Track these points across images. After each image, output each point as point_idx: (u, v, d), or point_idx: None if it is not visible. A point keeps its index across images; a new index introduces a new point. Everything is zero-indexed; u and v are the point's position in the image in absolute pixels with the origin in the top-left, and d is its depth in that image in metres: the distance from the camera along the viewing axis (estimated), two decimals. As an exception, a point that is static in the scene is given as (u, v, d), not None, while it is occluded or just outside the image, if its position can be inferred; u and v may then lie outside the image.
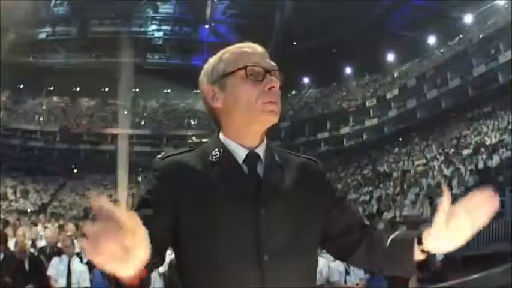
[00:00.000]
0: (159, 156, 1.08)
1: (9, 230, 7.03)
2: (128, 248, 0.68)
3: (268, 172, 1.04)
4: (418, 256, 1.02)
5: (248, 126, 1.05)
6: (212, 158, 1.04)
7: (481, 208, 0.98)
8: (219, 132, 1.10)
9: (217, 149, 1.06)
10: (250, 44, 1.11)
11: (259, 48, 1.10)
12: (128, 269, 0.71)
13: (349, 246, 1.12)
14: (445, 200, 0.94)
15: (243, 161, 1.05)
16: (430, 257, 1.03)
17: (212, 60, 1.12)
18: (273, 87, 1.03)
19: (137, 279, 0.77)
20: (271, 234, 0.98)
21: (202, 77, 1.12)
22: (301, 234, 1.02)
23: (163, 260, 0.99)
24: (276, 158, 1.08)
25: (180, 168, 1.02)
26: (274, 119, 1.05)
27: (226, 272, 0.96)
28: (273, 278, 0.97)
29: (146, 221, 0.84)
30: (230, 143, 1.06)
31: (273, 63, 1.07)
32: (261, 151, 1.07)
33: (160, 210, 0.99)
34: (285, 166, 1.07)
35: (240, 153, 1.05)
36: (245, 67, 1.03)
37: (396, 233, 1.09)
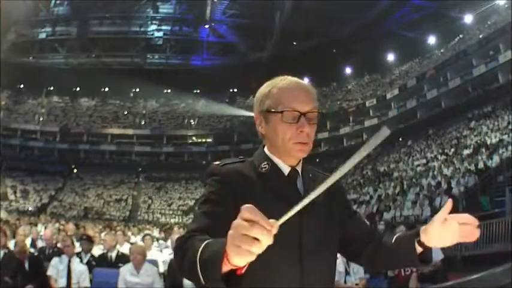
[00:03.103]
0: (216, 163, 1.27)
1: (8, 230, 7.03)
2: (259, 251, 0.83)
3: (307, 186, 1.26)
4: (418, 249, 1.22)
5: (284, 154, 1.27)
6: (262, 169, 1.25)
7: (466, 230, 1.15)
8: (263, 147, 1.32)
9: (265, 162, 1.27)
10: (297, 82, 1.28)
11: (306, 88, 1.28)
12: (247, 259, 0.84)
13: (359, 249, 1.34)
14: (447, 206, 1.15)
15: (287, 175, 1.27)
16: (427, 250, 1.22)
17: (262, 90, 1.30)
18: (303, 131, 1.23)
19: (243, 268, 0.90)
20: (309, 237, 1.20)
21: (255, 103, 1.32)
22: (329, 237, 1.26)
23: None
24: (310, 175, 1.31)
25: (237, 175, 1.21)
26: (303, 155, 1.27)
27: (274, 263, 1.14)
28: (309, 271, 1.18)
29: (215, 216, 1.12)
30: (275, 159, 1.28)
31: (312, 105, 1.26)
32: (299, 168, 1.29)
33: (226, 208, 1.14)
34: (316, 181, 1.28)
35: (284, 169, 1.27)
36: (282, 112, 1.22)
37: (399, 233, 1.31)
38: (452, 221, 1.14)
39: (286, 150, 1.24)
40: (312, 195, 0.94)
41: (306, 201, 0.95)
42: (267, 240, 0.82)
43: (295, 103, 1.23)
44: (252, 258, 0.83)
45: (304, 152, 1.25)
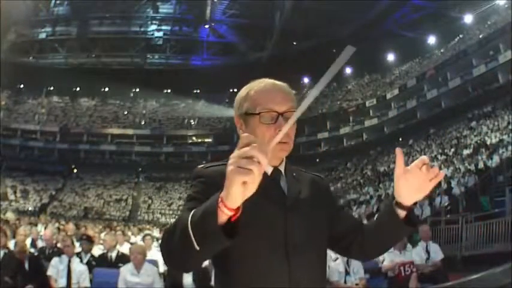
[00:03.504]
0: (201, 166, 1.29)
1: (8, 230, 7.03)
2: (259, 175, 0.87)
3: (290, 185, 1.29)
4: (401, 213, 1.24)
5: None
6: None
7: (428, 179, 1.18)
8: None
9: None
10: (273, 83, 1.30)
11: (282, 88, 1.30)
12: (244, 195, 0.90)
13: (350, 243, 1.36)
14: (398, 157, 1.20)
15: (270, 175, 1.27)
16: (410, 211, 1.25)
17: (240, 94, 1.32)
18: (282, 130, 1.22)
19: (237, 213, 0.94)
20: (295, 233, 1.21)
21: (234, 107, 1.34)
22: (315, 235, 1.27)
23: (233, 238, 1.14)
24: (294, 174, 1.33)
25: (222, 177, 1.17)
26: (284, 154, 1.29)
27: (261, 262, 1.17)
28: (296, 269, 1.19)
29: None
30: None
31: (289, 105, 1.26)
32: (282, 168, 1.31)
33: None
34: (300, 181, 1.33)
35: (267, 169, 1.26)
36: (259, 113, 1.24)
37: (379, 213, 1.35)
38: (412, 169, 1.18)
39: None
40: (299, 111, 0.96)
41: (297, 114, 0.96)
42: (262, 159, 0.86)
43: (272, 104, 1.25)
44: (253, 183, 0.87)
45: (285, 152, 1.27)
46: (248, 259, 1.18)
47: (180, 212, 1.23)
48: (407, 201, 1.22)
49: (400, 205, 1.23)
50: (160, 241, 1.28)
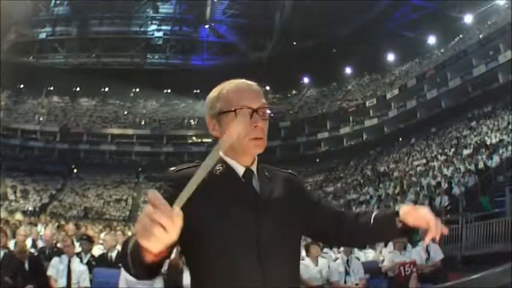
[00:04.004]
0: (172, 169, 1.29)
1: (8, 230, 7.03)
2: (166, 228, 0.84)
3: (262, 185, 1.29)
4: (399, 225, 1.28)
5: (240, 154, 1.29)
6: (216, 171, 1.27)
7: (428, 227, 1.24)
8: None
9: (219, 165, 1.29)
10: (244, 82, 1.33)
11: (253, 86, 1.32)
12: (160, 244, 0.86)
13: (333, 234, 1.40)
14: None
15: (242, 175, 1.29)
16: (407, 227, 1.28)
17: (211, 96, 1.34)
18: (257, 125, 1.26)
19: (161, 255, 0.95)
20: (267, 233, 1.22)
21: (206, 109, 1.35)
22: (288, 235, 1.27)
23: (170, 256, 1.14)
24: (266, 173, 1.34)
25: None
26: (259, 151, 1.29)
27: (233, 263, 1.18)
28: (269, 270, 1.20)
29: None
30: (229, 160, 1.30)
31: (262, 101, 1.29)
32: (254, 168, 1.31)
33: None
34: (273, 180, 1.33)
35: (239, 169, 1.29)
36: (235, 110, 1.25)
37: (375, 212, 1.36)
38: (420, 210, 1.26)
39: (243, 148, 1.27)
40: (192, 184, 0.92)
41: (195, 181, 0.92)
42: (169, 226, 0.84)
43: (246, 101, 1.27)
44: (159, 243, 0.85)
45: (260, 148, 1.28)
46: (220, 260, 1.18)
47: None
48: (406, 219, 1.27)
49: (400, 221, 1.28)
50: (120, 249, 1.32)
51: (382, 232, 1.34)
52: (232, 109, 1.26)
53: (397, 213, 1.29)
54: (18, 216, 14.49)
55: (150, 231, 0.84)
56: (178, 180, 1.22)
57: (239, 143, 1.25)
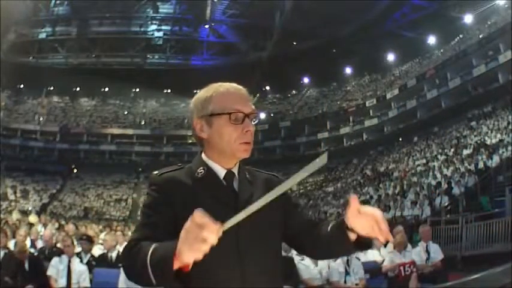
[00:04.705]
0: (155, 172, 1.31)
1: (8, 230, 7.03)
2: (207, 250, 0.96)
3: (242, 187, 1.31)
4: (351, 236, 1.22)
5: (226, 156, 1.31)
6: (198, 174, 1.30)
7: (376, 227, 1.14)
8: (201, 153, 1.37)
9: (201, 168, 1.32)
10: (235, 86, 1.35)
11: (242, 91, 1.34)
12: (197, 256, 0.98)
13: (303, 242, 1.39)
14: (352, 204, 1.16)
15: (223, 178, 1.31)
16: (362, 237, 1.21)
17: (201, 97, 1.35)
18: (249, 130, 1.29)
19: (189, 267, 1.03)
20: (247, 235, 1.24)
21: (192, 109, 1.35)
22: (268, 238, 1.29)
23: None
24: (247, 175, 1.36)
25: (173, 183, 1.27)
26: (247, 155, 1.32)
27: (213, 266, 1.19)
28: (250, 273, 1.22)
29: (154, 226, 1.21)
30: (211, 163, 1.32)
31: (252, 107, 1.31)
32: (235, 170, 1.33)
33: (163, 217, 1.23)
34: (253, 181, 1.35)
35: (220, 172, 1.31)
36: (229, 113, 1.27)
37: (332, 222, 1.32)
38: (365, 214, 1.15)
39: (232, 152, 1.29)
40: (260, 203, 1.02)
41: (253, 208, 1.03)
42: (214, 239, 0.95)
43: (239, 105, 1.29)
44: (201, 255, 0.96)
45: (247, 152, 1.31)
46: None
47: (136, 225, 1.31)
48: (359, 231, 1.19)
49: (351, 229, 1.20)
50: (121, 257, 1.34)
51: (337, 244, 1.28)
52: (226, 112, 1.27)
53: (344, 222, 1.22)
54: (16, 215, 14.47)
55: (198, 247, 0.95)
56: (161, 183, 1.28)
57: (229, 147, 1.28)
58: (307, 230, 1.37)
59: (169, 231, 1.15)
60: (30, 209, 29.24)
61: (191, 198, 1.24)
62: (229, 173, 1.31)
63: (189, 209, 1.19)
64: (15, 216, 13.92)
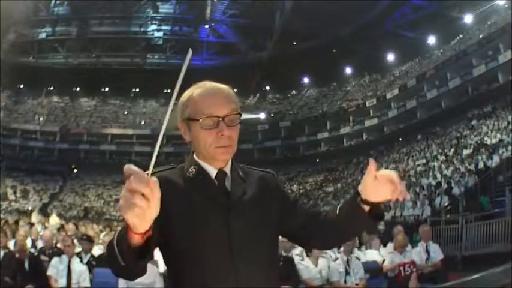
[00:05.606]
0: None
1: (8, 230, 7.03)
2: (145, 196, 0.87)
3: (234, 185, 1.29)
4: (365, 208, 1.23)
5: (209, 159, 1.30)
6: (189, 174, 1.30)
7: (393, 188, 1.17)
8: (193, 153, 1.35)
9: (192, 167, 1.31)
10: (213, 87, 1.31)
11: (222, 92, 1.30)
12: (145, 219, 0.89)
13: (308, 235, 1.36)
14: (371, 167, 1.18)
15: (215, 177, 1.29)
16: (374, 206, 1.23)
17: (182, 99, 1.34)
18: (223, 134, 1.25)
19: (147, 234, 0.97)
20: (239, 232, 1.22)
21: (178, 111, 1.34)
22: (261, 235, 1.27)
23: (153, 256, 1.13)
24: (240, 173, 1.34)
25: (165, 183, 1.22)
26: (228, 157, 1.30)
27: (206, 263, 1.19)
28: (243, 270, 1.21)
29: None
30: (202, 163, 1.31)
31: (230, 108, 1.26)
32: (227, 169, 1.31)
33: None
34: (246, 179, 1.33)
35: (211, 171, 1.30)
36: (199, 119, 1.25)
37: (340, 204, 1.32)
38: (381, 178, 1.17)
39: (211, 155, 1.28)
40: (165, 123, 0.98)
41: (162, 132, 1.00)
42: (148, 192, 0.87)
43: (212, 109, 1.26)
44: (143, 215, 0.88)
45: (228, 154, 1.29)
46: (195, 261, 1.20)
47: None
48: (371, 198, 1.21)
49: (364, 201, 1.22)
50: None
51: (350, 222, 1.27)
52: (197, 118, 1.26)
53: (358, 193, 1.24)
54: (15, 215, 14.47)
55: (132, 202, 0.86)
56: None
57: (207, 151, 1.27)
58: (312, 221, 1.35)
59: (160, 231, 1.13)
60: (30, 209, 29.25)
61: (183, 198, 1.24)
62: (221, 172, 1.30)
63: (181, 209, 1.22)
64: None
